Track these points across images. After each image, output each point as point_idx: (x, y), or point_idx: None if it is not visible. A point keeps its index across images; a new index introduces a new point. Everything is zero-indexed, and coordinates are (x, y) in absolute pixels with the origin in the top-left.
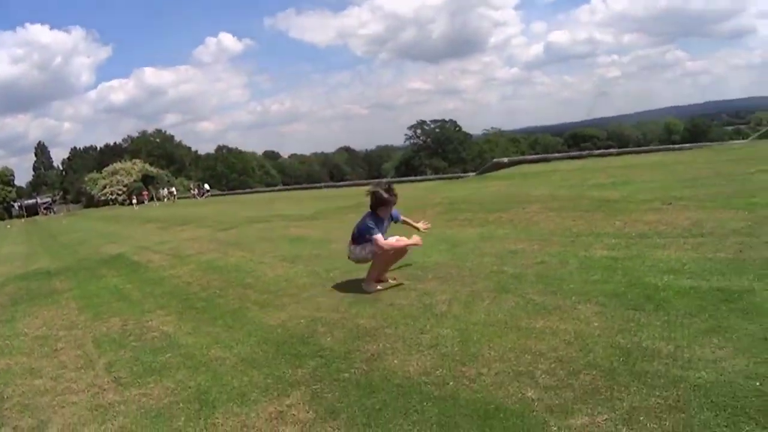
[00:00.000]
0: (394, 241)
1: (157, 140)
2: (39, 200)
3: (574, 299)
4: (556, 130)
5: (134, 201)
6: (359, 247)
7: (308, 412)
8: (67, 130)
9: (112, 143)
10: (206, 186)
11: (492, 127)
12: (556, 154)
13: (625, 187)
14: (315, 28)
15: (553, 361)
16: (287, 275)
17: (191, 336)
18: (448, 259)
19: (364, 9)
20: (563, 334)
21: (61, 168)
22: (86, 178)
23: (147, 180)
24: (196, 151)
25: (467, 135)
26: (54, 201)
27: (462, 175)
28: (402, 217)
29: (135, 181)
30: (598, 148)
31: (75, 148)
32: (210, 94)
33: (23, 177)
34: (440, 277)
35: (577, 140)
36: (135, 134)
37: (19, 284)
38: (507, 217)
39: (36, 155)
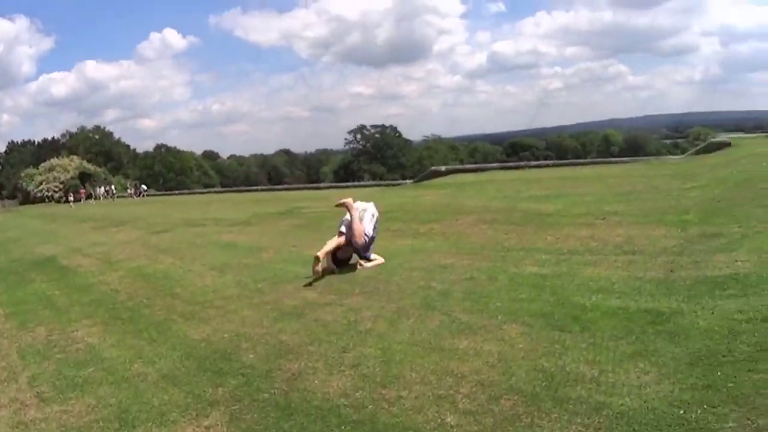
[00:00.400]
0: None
1: (96, 137)
2: None
3: (501, 318)
4: (497, 139)
5: (71, 199)
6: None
7: None
8: (5, 123)
9: (50, 138)
10: (144, 187)
11: (432, 134)
12: (494, 164)
13: (559, 200)
14: (260, 28)
15: (474, 384)
16: (215, 285)
17: (115, 348)
18: (377, 273)
19: (311, 11)
20: (487, 356)
21: None
22: (23, 174)
23: (84, 177)
24: (135, 150)
25: (407, 141)
26: None
27: (399, 182)
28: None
29: (72, 178)
30: (537, 158)
31: (12, 141)
32: (152, 91)
33: None
34: (367, 291)
35: (516, 149)
36: (74, 130)
37: None
38: (439, 228)
39: None
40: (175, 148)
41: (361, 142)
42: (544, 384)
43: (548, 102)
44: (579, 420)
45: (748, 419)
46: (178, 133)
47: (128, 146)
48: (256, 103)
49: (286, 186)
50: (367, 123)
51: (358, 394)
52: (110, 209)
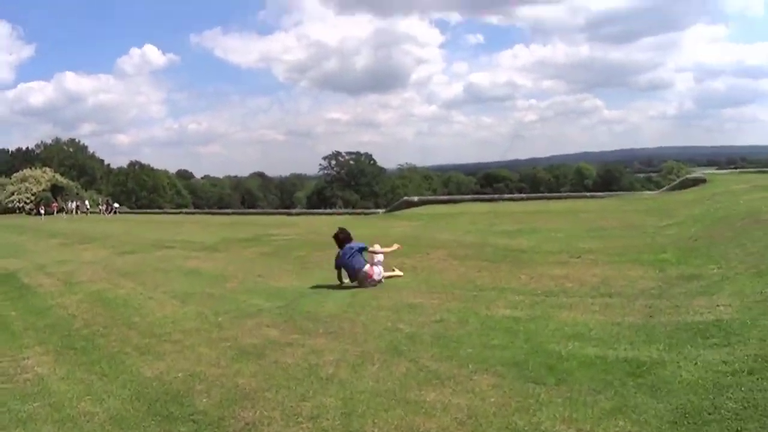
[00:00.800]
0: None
1: (71, 150)
2: None
3: (471, 367)
4: (470, 170)
5: (42, 211)
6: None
7: None
8: None
9: (24, 148)
10: (116, 204)
11: (407, 163)
12: (466, 196)
13: (533, 235)
14: (240, 50)
15: None
16: (174, 316)
17: (64, 382)
18: (343, 311)
19: (290, 35)
20: (455, 411)
21: None
22: None
23: (56, 190)
24: (109, 165)
25: (381, 169)
26: None
27: (371, 210)
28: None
29: (44, 190)
30: (511, 190)
31: None
32: (129, 106)
33: None
34: (331, 332)
35: (490, 180)
36: (49, 141)
37: None
38: (410, 263)
39: None
40: (148, 165)
41: (335, 169)
42: None
43: (523, 134)
44: None
45: None
46: (152, 151)
47: (102, 161)
48: (232, 125)
49: (257, 210)
50: (343, 149)
51: None
52: (80, 225)
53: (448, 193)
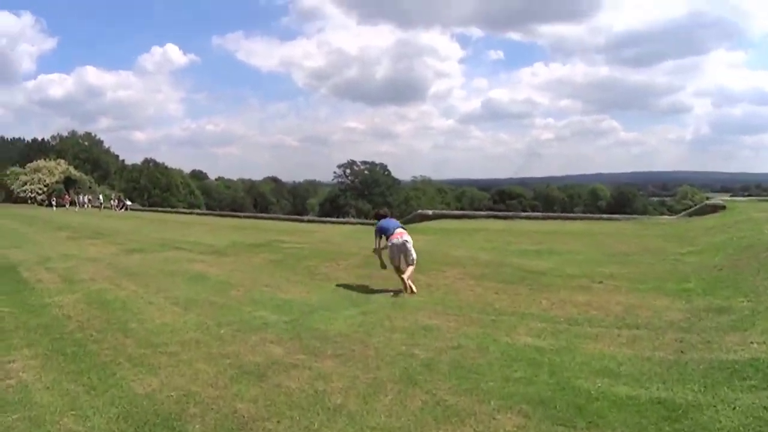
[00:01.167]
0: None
1: (86, 143)
2: None
3: (493, 404)
4: (484, 185)
5: (54, 203)
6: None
7: None
8: None
9: (40, 139)
10: (127, 201)
11: (421, 175)
12: (482, 212)
13: (551, 257)
14: (261, 54)
15: None
16: (174, 324)
17: (49, 393)
18: (353, 330)
19: (312, 41)
20: None
21: None
22: (8, 171)
23: (69, 183)
24: (123, 161)
25: (396, 180)
26: None
27: None
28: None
29: (57, 182)
30: (524, 207)
31: (2, 137)
32: (147, 104)
33: None
34: (340, 354)
35: (504, 197)
36: (65, 133)
37: None
38: (425, 280)
39: None
40: (163, 164)
41: (349, 177)
42: None
43: (539, 152)
44: None
45: None
46: (168, 149)
47: (117, 156)
48: (249, 128)
49: (269, 215)
50: (358, 158)
51: None
52: (90, 219)
53: (462, 208)
